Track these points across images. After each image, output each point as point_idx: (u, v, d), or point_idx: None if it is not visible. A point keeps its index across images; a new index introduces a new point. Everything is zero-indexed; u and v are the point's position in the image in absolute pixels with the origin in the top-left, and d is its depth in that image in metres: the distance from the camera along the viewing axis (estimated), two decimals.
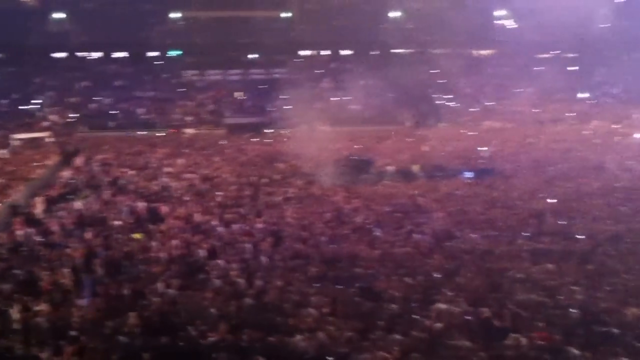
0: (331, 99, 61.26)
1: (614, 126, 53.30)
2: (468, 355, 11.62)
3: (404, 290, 15.16)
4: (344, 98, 60.86)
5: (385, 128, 54.01)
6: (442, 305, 14.01)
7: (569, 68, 69.52)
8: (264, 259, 18.18)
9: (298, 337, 12.41)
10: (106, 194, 28.11)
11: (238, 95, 65.85)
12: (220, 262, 17.83)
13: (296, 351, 11.97)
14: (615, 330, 12.64)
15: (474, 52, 76.14)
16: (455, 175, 33.41)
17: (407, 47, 74.57)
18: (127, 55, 72.50)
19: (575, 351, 11.64)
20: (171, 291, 15.43)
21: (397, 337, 12.42)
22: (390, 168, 34.90)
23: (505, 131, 52.28)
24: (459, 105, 63.38)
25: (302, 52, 74.66)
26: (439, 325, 13.06)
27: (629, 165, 35.28)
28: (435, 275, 16.53)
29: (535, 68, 69.97)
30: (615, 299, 14.51)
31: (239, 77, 71.66)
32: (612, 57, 68.21)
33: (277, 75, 70.17)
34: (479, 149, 39.96)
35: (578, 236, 20.65)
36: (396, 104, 60.37)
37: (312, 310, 13.83)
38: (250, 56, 74.51)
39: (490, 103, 63.89)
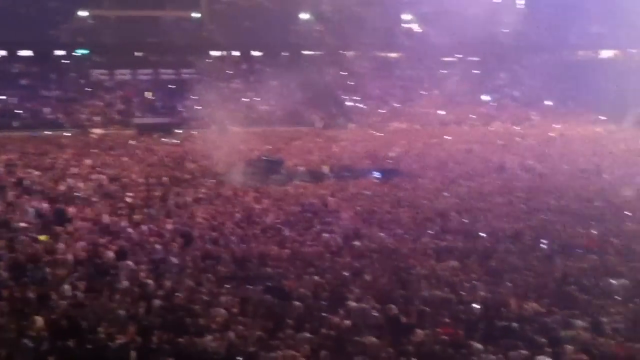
0: (242, 99, 61.11)
1: (514, 127, 55.31)
2: (376, 352, 11.87)
3: (314, 289, 15.35)
4: (254, 99, 60.81)
5: (295, 129, 54.34)
6: (351, 303, 14.29)
7: (472, 71, 71.41)
8: (173, 260, 18.05)
9: (208, 337, 12.39)
10: (11, 195, 27.25)
11: (147, 95, 64.88)
12: (129, 263, 17.58)
13: (206, 351, 11.95)
14: (515, 324, 13.16)
15: (382, 55, 77.29)
16: (364, 175, 33.88)
17: (317, 49, 75.11)
18: (33, 54, 70.22)
19: (478, 345, 12.05)
20: (78, 293, 15.14)
21: (307, 335, 12.58)
22: (300, 168, 35.11)
23: (411, 132, 53.46)
24: (367, 106, 64.31)
25: (212, 53, 74.08)
26: (347, 322, 13.31)
27: (529, 165, 36.71)
28: (344, 273, 16.77)
29: (440, 71, 71.59)
30: (515, 294, 15.11)
31: (149, 77, 70.59)
32: (513, 61, 70.56)
33: (187, 76, 69.56)
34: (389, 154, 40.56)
35: (480, 234, 21.37)
36: (306, 105, 60.77)
37: (221, 311, 13.84)
38: (159, 56, 73.45)
39: (398, 105, 65.15)
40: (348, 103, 65.39)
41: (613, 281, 16.13)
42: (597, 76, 62.50)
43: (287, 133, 51.47)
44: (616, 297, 15.12)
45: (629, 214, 24.38)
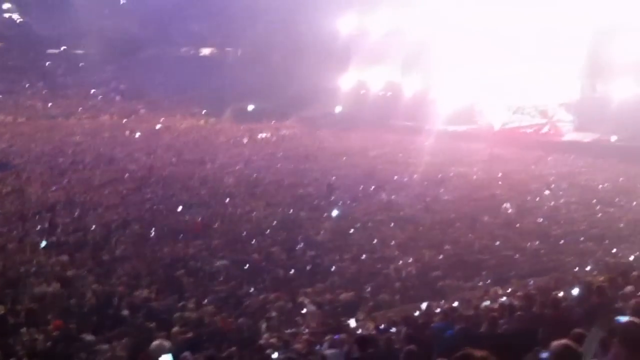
0: None
1: (123, 120, 55.75)
2: None
3: None
4: None
5: None
6: None
7: (79, 64, 70.05)
8: None
9: None
10: None
11: None
12: None
13: None
14: (127, 312, 13.48)
15: None
16: None
17: None
18: None
19: (89, 337, 12.05)
20: None
21: None
22: None
23: (16, 125, 50.90)
24: None
25: None
26: None
27: (136, 156, 37.39)
28: None
29: (45, 63, 69.09)
30: (126, 284, 15.47)
31: None
32: (119, 55, 70.65)
33: None
34: None
35: (91, 226, 21.34)
36: None
37: None
38: None
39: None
40: None
41: (216, 263, 17.38)
42: (198, 72, 65.46)
43: None
44: (219, 277, 16.29)
45: (229, 199, 26.20)
